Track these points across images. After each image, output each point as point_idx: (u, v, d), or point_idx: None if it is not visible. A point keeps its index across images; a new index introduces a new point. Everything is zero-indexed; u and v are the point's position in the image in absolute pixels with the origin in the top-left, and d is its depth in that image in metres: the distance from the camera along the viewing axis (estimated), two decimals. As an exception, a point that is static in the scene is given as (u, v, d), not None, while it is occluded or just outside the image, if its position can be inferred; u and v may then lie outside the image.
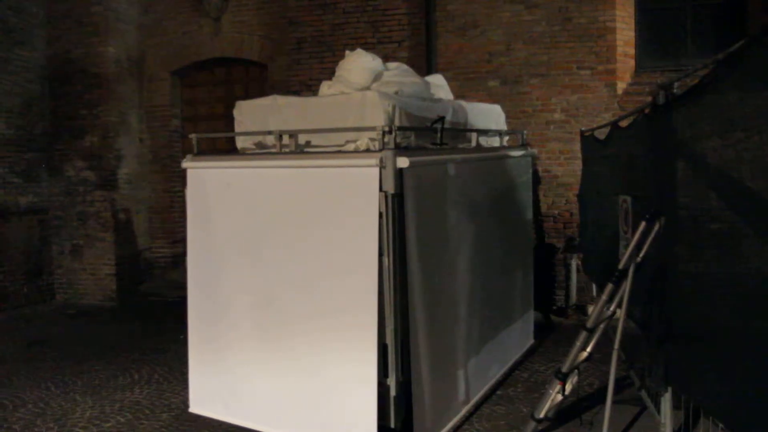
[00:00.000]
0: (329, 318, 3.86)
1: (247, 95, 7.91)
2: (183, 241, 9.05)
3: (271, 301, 4.11)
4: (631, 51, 7.29)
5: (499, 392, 5.05)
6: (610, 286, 3.56)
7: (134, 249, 9.16)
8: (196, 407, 4.65)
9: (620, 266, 3.51)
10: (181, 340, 6.36)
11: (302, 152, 4.21)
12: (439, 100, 5.09)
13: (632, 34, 7.28)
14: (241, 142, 4.69)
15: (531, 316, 6.22)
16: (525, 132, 6.55)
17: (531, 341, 6.17)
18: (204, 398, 4.60)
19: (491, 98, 7.12)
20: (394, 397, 3.89)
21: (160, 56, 9.28)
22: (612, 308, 3.58)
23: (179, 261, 9.17)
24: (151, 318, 7.99)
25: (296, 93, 7.74)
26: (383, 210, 3.74)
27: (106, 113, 8.85)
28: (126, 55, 9.08)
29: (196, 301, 4.54)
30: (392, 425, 3.91)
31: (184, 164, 4.57)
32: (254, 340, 4.21)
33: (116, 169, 8.92)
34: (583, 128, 6.92)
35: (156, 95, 9.34)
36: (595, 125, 6.55)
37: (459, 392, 4.48)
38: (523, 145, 6.23)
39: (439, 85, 5.53)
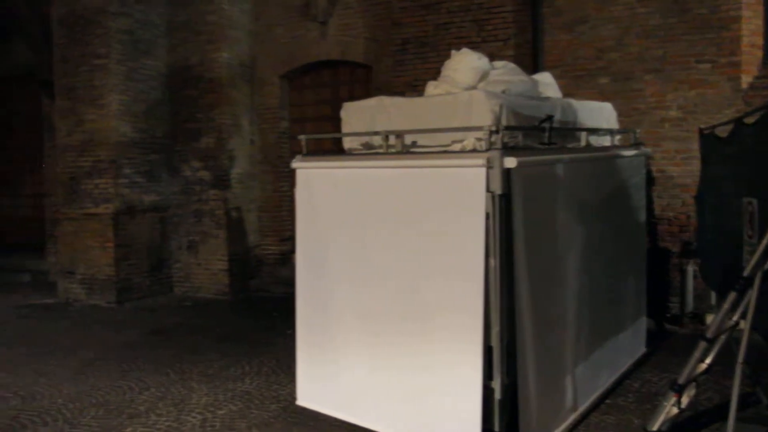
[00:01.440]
0: (434, 318, 3.87)
1: (353, 97, 8.06)
2: (291, 239, 9.40)
3: (377, 300, 4.17)
4: (759, 41, 6.77)
5: (608, 401, 4.87)
6: (733, 295, 3.34)
7: (245, 246, 9.57)
8: (302, 400, 4.80)
9: (745, 273, 3.29)
10: (289, 334, 6.59)
11: (408, 152, 4.24)
12: (547, 98, 4.97)
13: (760, 22, 6.75)
14: (347, 143, 4.78)
15: (643, 323, 5.95)
16: (638, 130, 6.26)
17: (643, 349, 5.89)
18: (310, 392, 4.74)
19: (601, 96, 6.86)
20: (499, 401, 3.84)
21: (269, 61, 9.65)
22: (735, 318, 3.36)
23: (287, 258, 9.50)
24: (260, 312, 8.32)
25: (401, 94, 7.78)
26: (490, 211, 3.70)
27: (220, 116, 9.31)
28: (238, 60, 9.51)
29: (303, 298, 4.68)
30: (496, 429, 3.86)
31: (294, 164, 4.71)
32: (360, 337, 4.28)
33: (229, 169, 9.36)
34: (702, 126, 6.52)
35: (266, 98, 9.72)
36: (715, 122, 6.16)
37: (566, 399, 4.36)
38: (636, 144, 5.96)
39: (547, 83, 5.40)
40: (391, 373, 4.12)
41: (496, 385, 3.81)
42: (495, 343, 3.80)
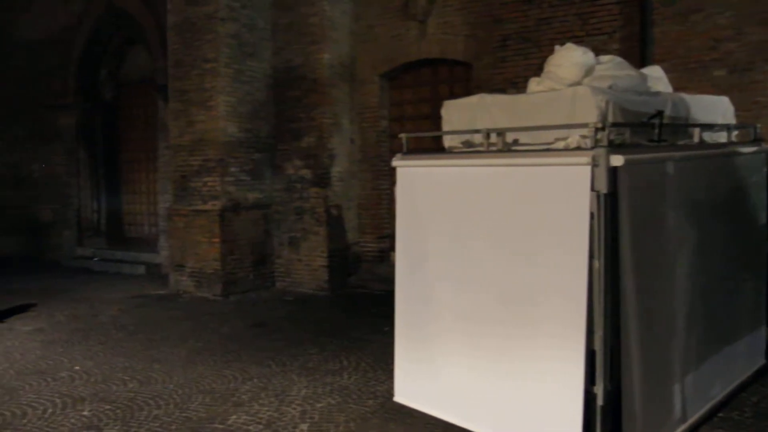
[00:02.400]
0: (535, 320, 3.79)
1: (452, 95, 8.02)
2: (389, 236, 9.51)
3: (477, 300, 4.13)
4: None
5: (721, 414, 4.58)
6: None
7: (344, 243, 9.75)
8: (400, 397, 4.83)
9: None
10: (386, 331, 6.65)
11: (510, 150, 4.17)
12: (657, 93, 4.73)
13: None
14: (448, 141, 4.76)
15: (762, 332, 5.54)
16: (758, 126, 5.84)
17: (761, 361, 5.50)
18: (408, 389, 4.76)
19: (716, 89, 6.45)
20: (601, 407, 3.70)
21: (369, 60, 9.77)
22: None
23: (385, 256, 9.60)
24: (358, 309, 8.45)
25: (501, 91, 7.67)
26: (594, 210, 3.58)
27: (321, 116, 9.53)
28: (339, 60, 9.69)
29: (402, 296, 4.71)
30: (598, 436, 3.73)
31: (394, 163, 4.74)
32: (459, 337, 4.26)
33: (329, 168, 9.57)
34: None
35: (366, 97, 9.86)
36: None
37: (674, 409, 4.14)
38: (756, 141, 5.56)
39: (656, 77, 5.15)
40: (490, 374, 4.07)
41: (599, 390, 3.68)
42: (598, 347, 3.67)
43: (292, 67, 9.74)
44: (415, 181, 4.57)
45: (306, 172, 9.65)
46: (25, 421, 4.77)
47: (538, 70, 4.87)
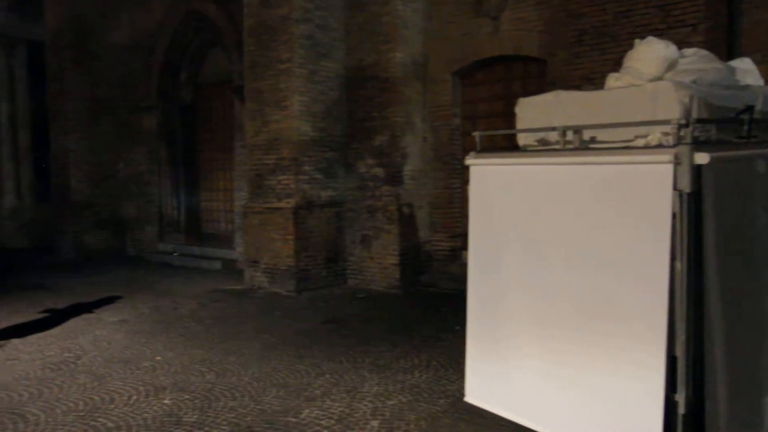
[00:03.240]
0: (612, 323, 3.67)
1: (526, 92, 7.84)
2: (461, 235, 9.45)
3: (552, 302, 4.04)
4: None
5: (815, 426, 4.32)
6: None
7: (416, 241, 9.75)
8: (471, 397, 4.79)
9: None
10: (457, 331, 6.62)
11: (587, 148, 4.05)
12: (747, 87, 4.48)
13: None
14: (522, 139, 4.68)
15: None
16: None
17: None
18: (479, 390, 4.71)
19: (813, 82, 6.08)
20: (683, 415, 3.55)
21: (442, 58, 9.73)
22: None
23: (457, 255, 9.55)
24: (429, 307, 8.44)
25: (576, 87, 7.48)
26: (677, 210, 3.43)
27: (393, 114, 9.56)
28: (411, 59, 9.69)
29: (474, 295, 4.66)
30: (680, 445, 3.58)
31: (468, 161, 4.69)
32: (532, 339, 4.18)
33: (401, 166, 9.59)
34: None
35: (438, 96, 9.82)
36: None
37: (765, 422, 3.93)
38: None
39: (746, 69, 4.87)
40: (564, 378, 3.97)
41: (680, 398, 3.53)
42: (680, 353, 3.51)
43: (364, 66, 9.82)
44: (489, 179, 4.52)
45: (378, 171, 9.71)
46: (112, 406, 5.02)
47: (615, 66, 4.71)
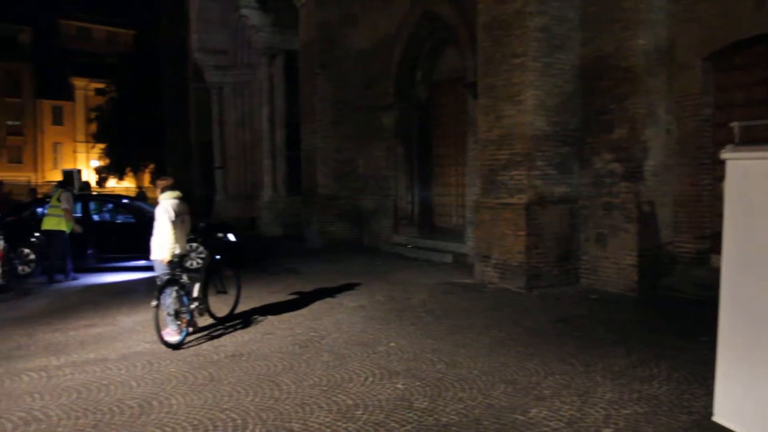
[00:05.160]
0: None
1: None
2: (711, 237, 8.56)
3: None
4: None
5: None
6: None
7: (657, 242, 9.03)
8: (721, 417, 4.32)
9: None
10: (703, 342, 6.03)
11: None
12: None
13: None
14: (792, 130, 4.09)
15: None
16: None
17: None
18: (731, 409, 4.23)
19: None
20: None
21: (690, 42, 8.86)
22: None
23: (705, 258, 8.68)
24: (670, 314, 7.80)
25: None
26: None
27: (634, 106, 8.96)
28: (654, 45, 8.98)
29: (729, 305, 4.19)
30: None
31: (724, 155, 4.23)
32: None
33: (642, 161, 8.95)
34: None
35: (685, 84, 8.96)
36: None
37: None
38: None
39: None
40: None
41: None
42: None
43: (602, 56, 9.34)
44: (750, 175, 4.01)
45: (616, 166, 9.18)
46: (351, 385, 5.42)
47: None
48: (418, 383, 5.43)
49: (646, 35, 8.92)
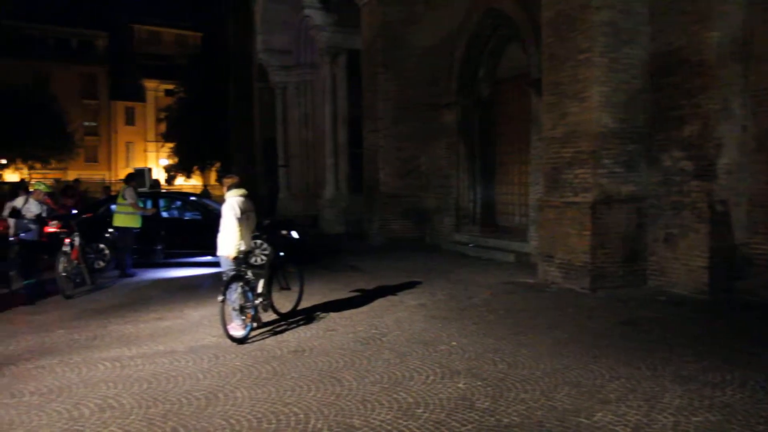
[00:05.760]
0: None
1: None
2: (790, 238, 8.14)
3: None
4: None
5: None
6: None
7: (730, 243, 8.65)
8: (799, 427, 4.13)
9: None
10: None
11: None
12: None
13: None
14: None
15: None
16: None
17: None
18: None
19: None
20: None
21: (771, 34, 8.45)
22: None
23: (784, 261, 8.27)
24: (744, 318, 7.49)
25: None
26: None
27: (706, 101, 8.61)
28: (730, 38, 8.60)
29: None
30: None
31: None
32: None
33: (715, 159, 8.60)
34: None
35: (764, 78, 8.54)
36: None
37: None
38: None
39: None
40: None
41: None
42: None
43: (672, 50, 9.02)
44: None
45: (686, 164, 8.86)
46: (412, 383, 5.43)
47: None
48: (479, 383, 5.39)
49: (721, 27, 8.55)
